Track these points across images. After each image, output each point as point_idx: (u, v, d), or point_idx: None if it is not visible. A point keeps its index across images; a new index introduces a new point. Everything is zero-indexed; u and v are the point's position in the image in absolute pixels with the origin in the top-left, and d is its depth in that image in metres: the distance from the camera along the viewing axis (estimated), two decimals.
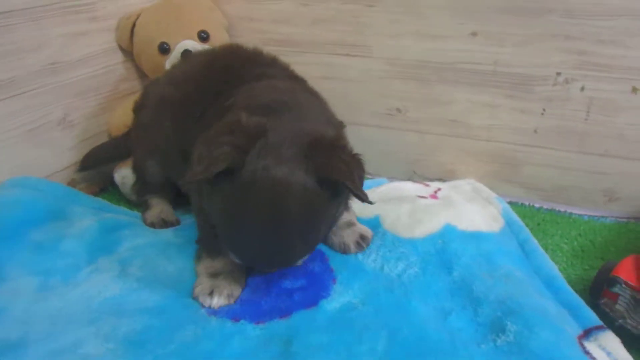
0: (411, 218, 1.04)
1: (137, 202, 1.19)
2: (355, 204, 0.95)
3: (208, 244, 0.89)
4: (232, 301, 0.84)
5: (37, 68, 1.13)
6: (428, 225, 1.01)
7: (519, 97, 1.20)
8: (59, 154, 1.21)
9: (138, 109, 1.14)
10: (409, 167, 1.37)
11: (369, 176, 1.30)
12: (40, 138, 1.16)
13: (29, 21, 1.10)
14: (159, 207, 1.13)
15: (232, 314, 0.82)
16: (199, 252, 0.91)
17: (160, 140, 1.06)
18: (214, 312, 0.83)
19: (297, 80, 1.01)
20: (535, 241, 1.01)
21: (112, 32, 1.30)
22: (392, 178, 1.33)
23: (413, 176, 1.36)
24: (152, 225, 1.09)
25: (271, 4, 1.37)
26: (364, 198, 0.76)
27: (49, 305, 0.82)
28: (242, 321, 0.81)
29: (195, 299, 0.84)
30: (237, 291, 0.85)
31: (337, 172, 0.74)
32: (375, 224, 1.03)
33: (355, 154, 0.79)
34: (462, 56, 1.22)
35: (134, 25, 1.30)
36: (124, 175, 1.22)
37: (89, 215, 1.04)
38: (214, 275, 0.86)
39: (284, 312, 0.82)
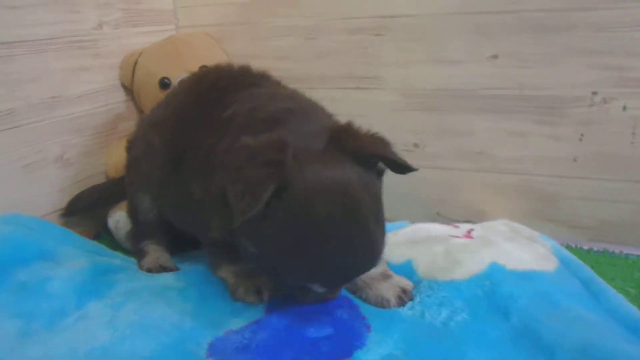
0: (448, 259, 0.92)
1: (133, 249, 1.09)
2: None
3: (224, 252, 0.86)
4: (269, 297, 0.84)
5: (36, 101, 1.09)
6: (470, 265, 0.89)
7: (551, 122, 1.10)
8: (53, 194, 1.14)
9: (130, 146, 1.08)
10: (431, 209, 1.26)
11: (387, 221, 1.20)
12: (35, 175, 1.10)
13: (33, 53, 1.07)
14: (155, 254, 1.05)
15: None
16: (215, 261, 0.89)
17: (153, 169, 0.97)
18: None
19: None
20: (601, 280, 0.88)
21: (115, 69, 1.26)
22: (414, 223, 1.22)
23: (437, 219, 1.24)
24: (149, 271, 1.01)
25: (275, 40, 1.33)
26: (406, 163, 0.74)
27: (32, 352, 0.73)
28: None
29: (239, 299, 0.84)
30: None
31: (372, 148, 0.74)
32: (408, 269, 0.92)
33: (375, 132, 0.78)
34: (482, 82, 1.14)
35: (136, 63, 1.27)
36: (117, 219, 1.16)
37: (81, 257, 0.95)
38: (246, 275, 0.84)
39: None
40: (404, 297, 0.85)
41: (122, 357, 0.72)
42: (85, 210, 1.19)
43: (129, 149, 1.08)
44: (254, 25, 1.34)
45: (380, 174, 0.77)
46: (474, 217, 1.20)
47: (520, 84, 1.11)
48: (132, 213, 1.08)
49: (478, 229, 1.09)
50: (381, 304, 0.84)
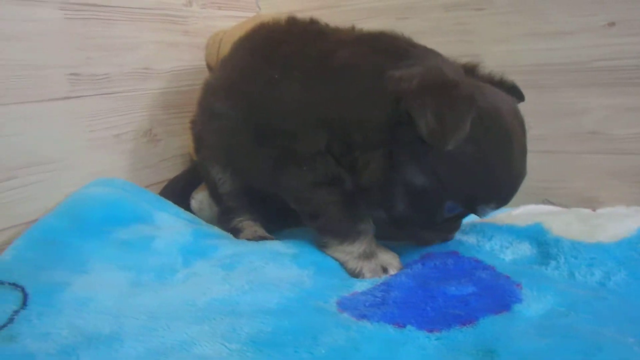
0: (587, 224, 0.85)
1: (226, 230, 0.99)
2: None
3: (344, 229, 0.80)
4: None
5: (130, 69, 1.05)
6: (615, 229, 0.82)
7: None
8: (140, 169, 1.08)
9: (193, 125, 1.03)
10: (537, 196, 1.13)
11: None
12: (126, 146, 1.05)
13: (129, 21, 1.04)
14: (251, 229, 0.97)
15: (389, 317, 0.64)
16: (324, 241, 0.82)
17: (222, 136, 0.92)
18: (363, 315, 0.65)
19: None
20: None
21: (200, 49, 1.21)
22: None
23: None
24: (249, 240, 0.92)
25: (362, 22, 1.26)
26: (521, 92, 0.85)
27: (144, 301, 0.68)
28: (408, 327, 0.62)
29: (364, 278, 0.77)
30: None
31: (500, 77, 0.82)
32: (538, 230, 0.85)
33: None
34: (595, 53, 1.04)
35: (220, 41, 1.21)
36: (201, 199, 1.09)
37: (179, 223, 0.89)
38: (365, 256, 0.79)
39: (465, 320, 0.64)
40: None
41: (244, 308, 0.66)
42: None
43: (193, 127, 1.03)
44: (340, 9, 1.29)
45: None
46: (586, 204, 1.08)
47: None
48: (212, 190, 1.01)
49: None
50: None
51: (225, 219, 0.98)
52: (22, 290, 0.65)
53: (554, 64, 1.08)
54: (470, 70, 0.80)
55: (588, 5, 1.04)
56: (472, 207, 0.75)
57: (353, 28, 0.93)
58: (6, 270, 0.69)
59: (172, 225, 0.87)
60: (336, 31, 0.91)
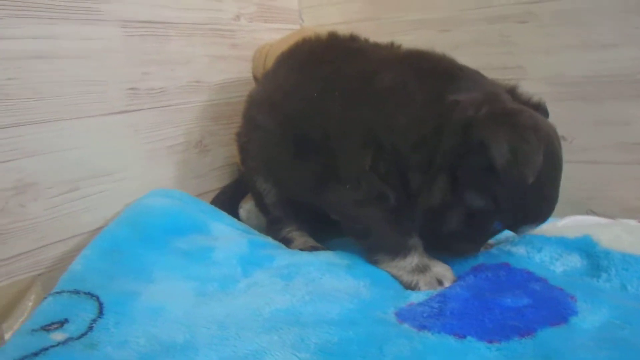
0: (635, 236, 0.84)
1: (276, 240, 1.01)
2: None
3: (394, 245, 0.81)
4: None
5: (183, 83, 1.09)
6: None
7: None
8: (191, 179, 1.12)
9: (238, 136, 1.05)
10: (580, 206, 1.14)
11: None
12: (178, 157, 1.09)
13: (182, 36, 1.08)
14: (302, 239, 0.99)
15: (449, 328, 0.66)
16: (376, 258, 0.83)
17: (265, 149, 0.96)
18: (423, 326, 0.66)
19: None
20: None
21: (247, 61, 1.25)
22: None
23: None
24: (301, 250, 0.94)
25: (405, 34, 1.29)
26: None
27: (213, 310, 0.70)
28: (468, 338, 0.64)
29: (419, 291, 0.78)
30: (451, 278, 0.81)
31: (535, 101, 0.85)
32: (587, 242, 0.85)
33: None
34: None
35: (267, 54, 1.24)
36: (248, 209, 1.12)
37: (234, 233, 0.92)
38: (419, 270, 0.80)
39: (524, 331, 0.65)
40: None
41: (307, 318, 0.68)
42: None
43: (238, 138, 1.05)
44: (383, 21, 1.32)
45: None
46: (630, 215, 1.07)
47: None
48: (258, 201, 1.03)
49: None
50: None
51: (274, 228, 1.00)
52: (97, 299, 0.69)
53: (600, 75, 1.08)
54: (511, 92, 0.82)
55: (633, 17, 1.04)
56: (516, 226, 0.79)
57: (392, 45, 0.96)
58: (80, 280, 0.72)
59: (228, 235, 0.90)
60: (376, 49, 0.93)
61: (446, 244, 0.82)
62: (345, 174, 0.82)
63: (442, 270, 0.80)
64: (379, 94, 0.80)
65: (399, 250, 0.80)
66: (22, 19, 0.81)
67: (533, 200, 0.74)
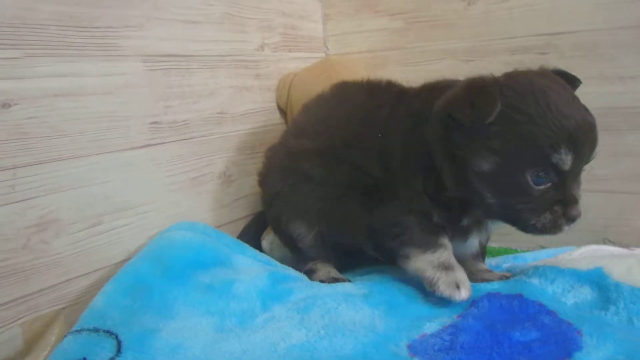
0: None
1: (301, 272, 1.02)
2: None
3: (426, 240, 0.86)
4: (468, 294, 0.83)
5: (207, 115, 1.10)
6: None
7: None
8: (215, 209, 1.13)
9: (264, 179, 1.06)
10: (598, 235, 1.14)
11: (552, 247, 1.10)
12: (202, 188, 1.10)
13: (206, 68, 1.09)
14: (325, 269, 1.01)
15: None
16: (407, 252, 0.87)
17: (311, 196, 0.97)
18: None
19: None
20: None
21: (272, 91, 1.27)
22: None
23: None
24: (322, 282, 0.96)
25: (429, 63, 1.29)
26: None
27: (229, 347, 0.72)
28: None
29: (438, 293, 0.82)
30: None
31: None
32: (598, 274, 0.85)
33: None
34: None
35: (291, 83, 1.27)
36: (271, 240, 1.14)
37: (255, 265, 0.94)
38: (443, 267, 0.84)
39: None
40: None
41: (322, 354, 0.69)
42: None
43: (264, 182, 1.05)
44: (407, 50, 1.32)
45: None
46: None
47: None
48: (289, 243, 1.04)
49: None
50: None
51: (299, 265, 1.02)
52: (116, 337, 0.70)
53: (619, 107, 1.09)
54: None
55: None
56: (548, 163, 0.76)
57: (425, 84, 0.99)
58: (100, 317, 0.73)
59: (250, 268, 0.91)
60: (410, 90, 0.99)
61: (515, 217, 0.81)
62: (402, 196, 0.87)
63: (462, 276, 0.84)
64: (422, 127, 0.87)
65: (429, 245, 0.85)
66: (41, 57, 0.82)
67: (531, 130, 0.74)
